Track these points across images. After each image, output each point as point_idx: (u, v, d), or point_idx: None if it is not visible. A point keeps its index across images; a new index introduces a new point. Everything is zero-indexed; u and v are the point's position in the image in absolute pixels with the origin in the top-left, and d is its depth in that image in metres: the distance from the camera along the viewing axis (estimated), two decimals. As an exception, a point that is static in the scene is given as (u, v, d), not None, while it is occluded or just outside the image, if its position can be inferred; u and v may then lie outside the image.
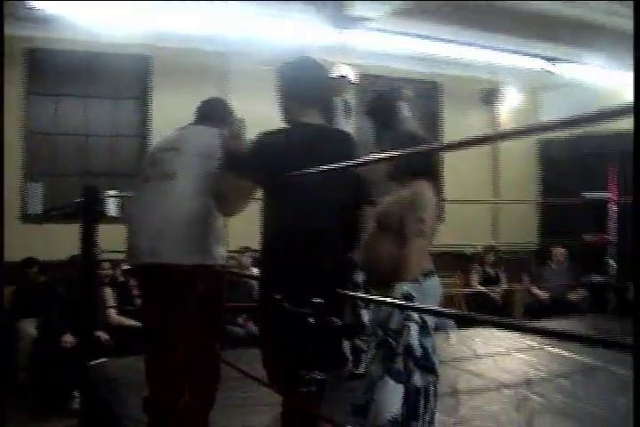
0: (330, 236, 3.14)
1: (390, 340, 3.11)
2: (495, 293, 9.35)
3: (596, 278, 8.53)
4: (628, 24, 8.14)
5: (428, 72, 9.64)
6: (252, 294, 7.66)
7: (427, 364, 3.15)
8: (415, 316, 3.12)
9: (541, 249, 10.33)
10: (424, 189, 3.37)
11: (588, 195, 7.78)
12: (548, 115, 10.97)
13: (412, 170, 3.41)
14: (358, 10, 6.64)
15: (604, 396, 4.85)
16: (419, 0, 6.51)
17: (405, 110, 3.63)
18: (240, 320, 7.42)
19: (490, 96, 10.61)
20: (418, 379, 3.11)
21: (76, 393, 6.05)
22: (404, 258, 3.19)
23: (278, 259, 3.10)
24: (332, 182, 3.02)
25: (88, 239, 5.17)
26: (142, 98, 8.69)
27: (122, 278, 7.09)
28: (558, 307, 8.82)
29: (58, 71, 8.39)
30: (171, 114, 8.33)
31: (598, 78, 9.47)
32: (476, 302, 9.25)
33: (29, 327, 7.12)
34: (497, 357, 6.01)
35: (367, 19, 6.78)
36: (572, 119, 1.69)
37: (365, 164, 2.74)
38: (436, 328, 6.29)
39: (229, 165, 3.13)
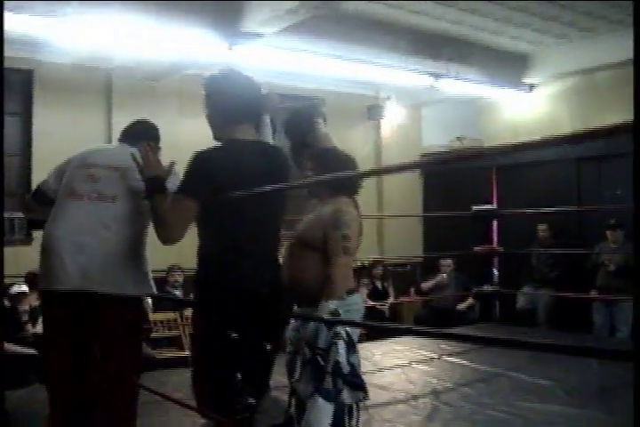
0: (266, 253, 3.11)
1: (319, 358, 3.07)
2: (384, 306, 9.45)
3: (484, 288, 8.76)
4: (515, 44, 8.51)
5: (315, 88, 9.68)
6: (144, 315, 7.51)
7: (355, 380, 3.14)
8: (342, 333, 3.10)
9: (428, 261, 10.51)
10: (345, 205, 3.38)
11: (476, 208, 7.97)
12: (428, 129, 11.24)
13: (332, 187, 3.41)
14: (251, 26, 6.60)
15: (508, 401, 4.98)
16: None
17: (322, 127, 3.59)
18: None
19: (373, 112, 10.76)
20: (347, 397, 3.09)
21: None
22: (331, 276, 3.18)
23: (219, 278, 3.00)
24: (266, 201, 2.99)
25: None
26: (24, 114, 8.36)
27: (8, 304, 6.77)
28: (447, 317, 8.99)
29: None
30: (54, 131, 8.14)
31: (476, 93, 9.73)
32: (366, 316, 9.30)
33: None
34: (399, 369, 6.07)
35: (259, 34, 6.74)
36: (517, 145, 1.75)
37: (305, 185, 2.73)
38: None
39: (167, 186, 3.02)
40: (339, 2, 6.80)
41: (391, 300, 9.60)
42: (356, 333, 3.29)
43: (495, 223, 8.66)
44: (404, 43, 8.30)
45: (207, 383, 3.03)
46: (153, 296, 7.92)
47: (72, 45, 7.44)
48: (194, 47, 7.01)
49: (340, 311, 3.11)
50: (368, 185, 10.35)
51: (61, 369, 3.37)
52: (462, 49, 8.84)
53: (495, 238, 8.65)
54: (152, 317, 7.64)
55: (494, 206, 8.46)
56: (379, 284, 9.66)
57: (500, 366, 5.96)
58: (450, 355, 6.49)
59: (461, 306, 9.32)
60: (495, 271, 8.69)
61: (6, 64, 7.80)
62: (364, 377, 5.49)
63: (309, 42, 7.72)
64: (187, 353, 7.59)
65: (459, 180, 9.96)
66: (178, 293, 7.96)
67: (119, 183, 3.45)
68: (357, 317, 3.33)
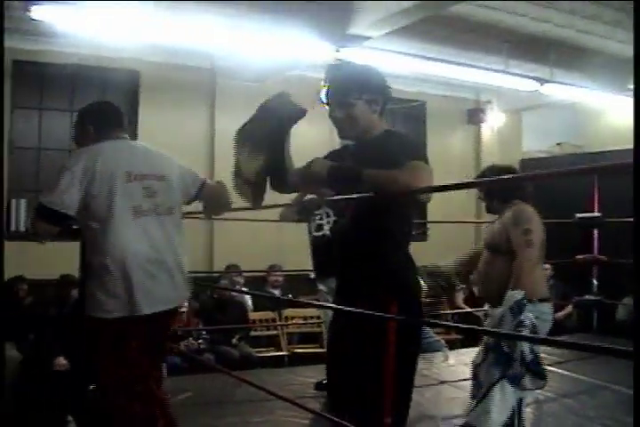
0: None
1: (504, 346, 3.15)
2: (479, 312, 9.31)
3: (585, 297, 8.56)
4: (622, 49, 8.27)
5: (416, 91, 9.64)
6: (244, 314, 7.60)
7: (537, 368, 3.29)
8: (527, 322, 3.22)
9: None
10: (524, 206, 3.61)
11: (579, 215, 7.79)
12: (528, 134, 11.07)
13: (503, 197, 3.65)
14: (359, 28, 6.61)
15: (614, 415, 4.85)
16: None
17: None
18: (234, 341, 7.30)
19: (474, 115, 10.64)
20: (529, 383, 3.27)
21: (70, 418, 5.91)
22: (516, 268, 3.34)
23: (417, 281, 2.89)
24: None
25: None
26: (130, 113, 8.55)
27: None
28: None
29: (45, 84, 8.25)
30: (158, 130, 8.31)
31: (582, 99, 9.54)
32: (461, 321, 9.22)
33: (12, 350, 6.94)
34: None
35: (366, 37, 6.76)
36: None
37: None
38: (431, 349, 6.31)
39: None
40: (447, 3, 6.71)
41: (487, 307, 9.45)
42: (545, 326, 3.41)
43: (596, 231, 8.46)
44: (508, 46, 8.19)
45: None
46: (253, 295, 8.06)
47: (177, 46, 7.60)
48: (299, 49, 7.05)
49: (531, 315, 3.24)
50: (467, 191, 10.28)
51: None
52: (568, 53, 8.67)
53: (596, 247, 8.45)
54: (251, 316, 7.72)
55: (599, 214, 8.25)
56: (475, 290, 9.54)
57: (601, 378, 5.81)
58: (549, 364, 6.35)
59: (559, 315, 9.12)
60: (594, 281, 8.49)
61: (113, 64, 8.10)
62: (464, 384, 5.50)
63: (413, 44, 7.71)
64: (284, 353, 7.68)
65: (557, 186, 9.77)
66: (277, 292, 8.01)
67: (170, 193, 3.31)
68: (545, 327, 3.45)
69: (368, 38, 6.81)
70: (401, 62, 7.95)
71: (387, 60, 7.79)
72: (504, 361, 3.16)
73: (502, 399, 3.16)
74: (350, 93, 2.74)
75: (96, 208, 3.11)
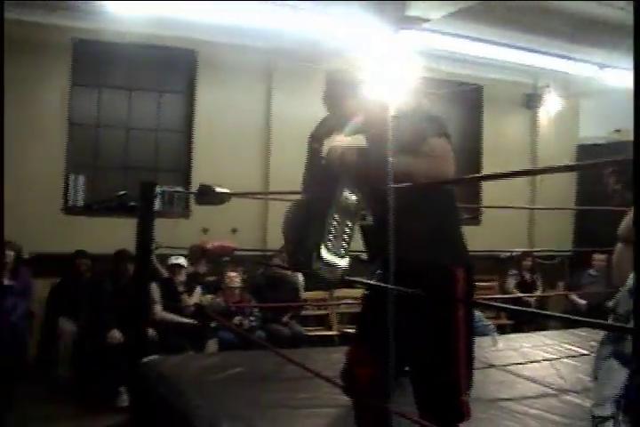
0: None
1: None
2: (531, 297, 9.28)
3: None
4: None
5: (472, 74, 9.58)
6: (296, 293, 7.67)
7: None
8: None
9: (579, 255, 10.23)
10: None
11: None
12: (586, 119, 10.93)
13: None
14: (418, 10, 6.58)
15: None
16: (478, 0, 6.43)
17: None
18: (285, 319, 7.38)
19: (531, 100, 10.53)
20: None
21: (123, 390, 6.05)
22: None
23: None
24: None
25: (144, 234, 5.16)
26: (187, 92, 8.65)
27: (166, 274, 7.04)
28: (595, 315, 8.73)
29: (103, 63, 8.37)
30: (216, 110, 8.39)
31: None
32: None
33: (68, 323, 7.10)
34: (549, 363, 5.94)
35: (425, 20, 6.73)
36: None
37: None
38: (480, 333, 6.29)
39: None
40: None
41: (538, 292, 9.41)
42: None
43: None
44: (569, 30, 8.07)
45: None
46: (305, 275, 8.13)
47: (235, 26, 7.64)
48: (357, 30, 7.05)
49: None
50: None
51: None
52: (629, 37, 8.51)
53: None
54: (303, 295, 7.79)
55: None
56: (527, 275, 9.49)
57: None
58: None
59: (610, 303, 9.02)
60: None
61: (171, 44, 8.17)
62: (513, 368, 5.49)
63: (471, 27, 7.64)
64: (334, 332, 7.74)
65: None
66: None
67: None
68: None
69: (427, 20, 6.78)
70: (458, 45, 7.91)
71: (444, 43, 7.77)
72: (617, 339, 3.16)
73: (610, 376, 3.16)
74: None
75: None
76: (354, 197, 2.75)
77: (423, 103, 3.09)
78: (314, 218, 2.74)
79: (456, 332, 2.70)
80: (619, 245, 3.47)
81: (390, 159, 2.56)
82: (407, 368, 2.88)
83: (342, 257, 2.72)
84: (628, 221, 3.45)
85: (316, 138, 2.96)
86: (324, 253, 2.66)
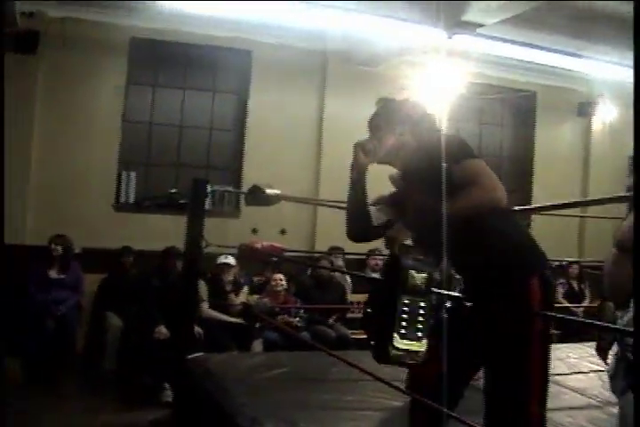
0: None
1: (628, 355, 3.07)
2: (578, 308, 9.15)
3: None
4: None
5: (526, 81, 9.51)
6: (343, 295, 7.67)
7: None
8: None
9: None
10: None
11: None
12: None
13: None
14: (472, 16, 6.55)
15: None
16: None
17: None
18: (331, 321, 7.38)
19: (585, 108, 10.41)
20: None
21: (167, 386, 6.09)
22: None
23: None
24: None
25: (194, 232, 5.21)
26: (240, 92, 8.71)
27: (212, 273, 7.07)
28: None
29: (158, 62, 8.47)
30: (268, 110, 8.43)
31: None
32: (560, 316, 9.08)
33: (115, 317, 7.18)
34: (596, 374, 5.86)
35: (479, 24, 6.70)
36: None
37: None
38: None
39: None
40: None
41: (586, 302, 9.29)
42: None
43: None
44: (625, 36, 7.95)
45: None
46: (352, 278, 8.12)
47: (289, 27, 7.67)
48: (413, 34, 7.04)
49: None
50: (573, 183, 10.09)
51: None
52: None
53: None
54: (350, 297, 7.78)
55: None
56: (575, 285, 9.38)
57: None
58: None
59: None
60: None
61: (226, 44, 8.23)
62: (559, 378, 5.42)
63: (526, 33, 7.58)
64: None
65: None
66: (375, 276, 8.02)
67: None
68: None
69: (481, 26, 6.75)
70: (512, 51, 7.86)
71: (498, 48, 7.72)
72: (629, 371, 3.02)
73: (631, 411, 3.00)
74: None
75: None
76: (422, 274, 2.70)
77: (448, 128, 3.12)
78: (383, 307, 2.72)
79: (530, 347, 2.63)
80: (613, 252, 3.28)
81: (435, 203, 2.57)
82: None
83: (419, 339, 2.66)
84: (628, 224, 3.26)
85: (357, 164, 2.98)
86: (397, 343, 2.62)
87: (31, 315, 6.87)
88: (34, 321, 6.83)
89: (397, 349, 2.58)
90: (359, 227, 3.03)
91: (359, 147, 2.97)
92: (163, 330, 6.42)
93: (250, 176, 8.01)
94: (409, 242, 2.83)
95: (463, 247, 2.67)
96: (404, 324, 2.57)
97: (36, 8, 7.47)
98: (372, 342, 2.72)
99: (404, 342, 2.57)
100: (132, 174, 8.19)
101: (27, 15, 7.43)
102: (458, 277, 2.84)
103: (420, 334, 2.60)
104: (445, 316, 2.77)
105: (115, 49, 7.99)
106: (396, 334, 2.57)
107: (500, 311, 2.61)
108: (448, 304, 2.80)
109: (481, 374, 2.84)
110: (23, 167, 7.58)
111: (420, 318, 2.62)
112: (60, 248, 7.05)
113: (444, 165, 2.64)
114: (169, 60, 8.47)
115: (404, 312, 2.58)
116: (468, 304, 2.73)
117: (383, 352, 2.62)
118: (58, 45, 7.63)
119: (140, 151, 8.41)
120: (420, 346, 2.62)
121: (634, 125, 2.05)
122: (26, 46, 7.44)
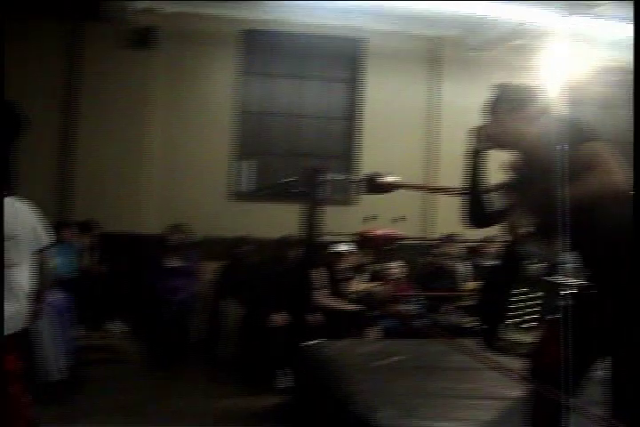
0: None
1: None
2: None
3: None
4: None
5: None
6: (459, 283, 7.59)
7: None
8: None
9: None
10: None
11: None
12: None
13: None
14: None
15: None
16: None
17: None
18: (446, 309, 7.32)
19: None
20: None
21: (284, 372, 6.16)
22: None
23: None
24: None
25: (310, 220, 5.25)
26: (354, 81, 8.71)
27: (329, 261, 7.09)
28: None
29: (272, 52, 8.56)
30: (381, 98, 8.41)
31: None
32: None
33: (232, 304, 7.31)
34: None
35: (594, 5, 6.49)
36: None
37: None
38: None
39: None
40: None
41: None
42: None
43: None
44: None
45: None
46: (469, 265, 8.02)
47: (401, 14, 7.62)
48: (526, 17, 6.89)
49: None
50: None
51: None
52: None
53: None
54: (465, 285, 7.69)
55: None
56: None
57: None
58: None
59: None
60: None
61: (338, 32, 8.24)
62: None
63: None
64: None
65: None
66: (492, 263, 7.90)
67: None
68: None
69: (596, 6, 6.53)
70: (628, 30, 7.59)
71: (613, 28, 7.48)
72: None
73: None
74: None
75: None
76: (540, 263, 2.64)
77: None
78: (497, 295, 2.67)
79: None
80: None
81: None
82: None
83: (533, 329, 2.61)
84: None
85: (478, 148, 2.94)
86: (511, 332, 2.58)
87: (151, 302, 7.11)
88: (153, 308, 7.06)
89: (510, 338, 2.54)
90: (477, 213, 3.01)
91: (476, 132, 2.94)
92: (279, 317, 6.50)
93: (365, 164, 8.03)
94: (528, 229, 2.78)
95: (591, 232, 2.61)
96: (517, 313, 2.53)
97: (152, 4, 7.68)
98: (485, 331, 2.69)
99: (518, 331, 2.54)
100: (249, 164, 8.32)
101: (143, 12, 7.65)
102: (582, 263, 2.75)
103: (533, 323, 2.55)
104: (568, 304, 2.72)
105: (228, 41, 8.14)
106: (509, 323, 2.54)
107: (633, 298, 2.50)
108: (570, 292, 2.72)
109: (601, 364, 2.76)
110: (142, 158, 7.82)
111: (535, 308, 2.58)
112: (177, 237, 7.24)
113: (565, 148, 2.59)
114: (282, 50, 8.55)
115: (518, 302, 2.54)
116: (595, 292, 2.64)
117: (496, 341, 2.59)
118: (174, 40, 7.84)
119: (256, 141, 8.54)
120: (534, 336, 2.58)
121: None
122: (143, 42, 7.73)
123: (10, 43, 7.44)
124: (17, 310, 3.61)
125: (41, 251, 3.93)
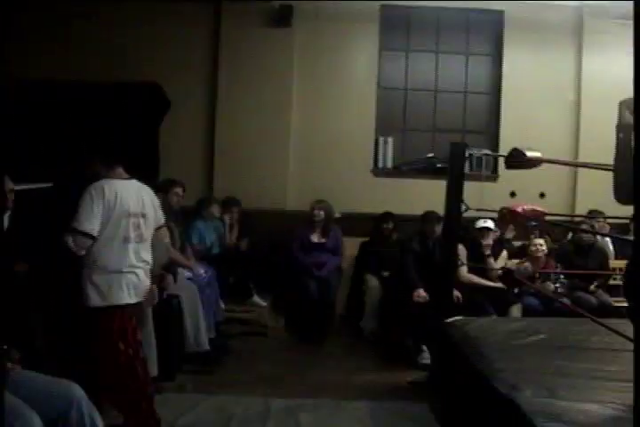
0: None
1: None
2: None
3: None
4: None
5: None
6: (605, 261, 7.40)
7: None
8: None
9: None
10: None
11: None
12: None
13: None
14: None
15: None
16: None
17: None
18: (592, 288, 7.16)
19: None
20: None
21: (425, 348, 6.20)
22: None
23: None
24: None
25: (453, 196, 5.23)
26: (494, 54, 8.56)
27: (473, 237, 7.04)
28: None
29: (411, 27, 8.51)
30: (522, 72, 8.23)
31: None
32: None
33: (375, 280, 7.38)
34: None
35: None
36: None
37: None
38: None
39: None
40: None
41: None
42: None
43: None
44: None
45: None
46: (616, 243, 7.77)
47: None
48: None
49: None
50: None
51: None
52: None
53: None
54: (613, 263, 7.50)
55: None
56: None
57: None
58: None
59: None
60: None
61: (478, 5, 8.10)
62: None
63: None
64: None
65: None
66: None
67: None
68: None
69: None
70: None
71: None
72: None
73: None
74: None
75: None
76: None
77: None
78: None
79: None
80: None
81: None
82: None
83: None
84: None
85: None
86: None
87: (295, 276, 7.28)
88: (298, 282, 7.21)
89: None
90: (628, 189, 2.92)
91: (625, 105, 2.85)
92: (422, 293, 6.52)
93: (507, 139, 7.90)
94: None
95: None
96: None
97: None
98: (632, 312, 2.62)
99: None
100: (389, 140, 8.33)
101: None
102: None
103: None
104: None
105: (366, 17, 8.13)
106: None
107: None
108: None
109: None
110: (284, 136, 7.96)
111: None
112: (321, 213, 7.37)
113: None
114: (420, 24, 8.49)
115: None
116: None
117: None
118: (311, 17, 7.92)
119: (395, 117, 8.54)
120: None
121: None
122: (281, 20, 7.86)
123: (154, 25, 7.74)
124: (143, 280, 4.16)
125: (159, 228, 4.41)
